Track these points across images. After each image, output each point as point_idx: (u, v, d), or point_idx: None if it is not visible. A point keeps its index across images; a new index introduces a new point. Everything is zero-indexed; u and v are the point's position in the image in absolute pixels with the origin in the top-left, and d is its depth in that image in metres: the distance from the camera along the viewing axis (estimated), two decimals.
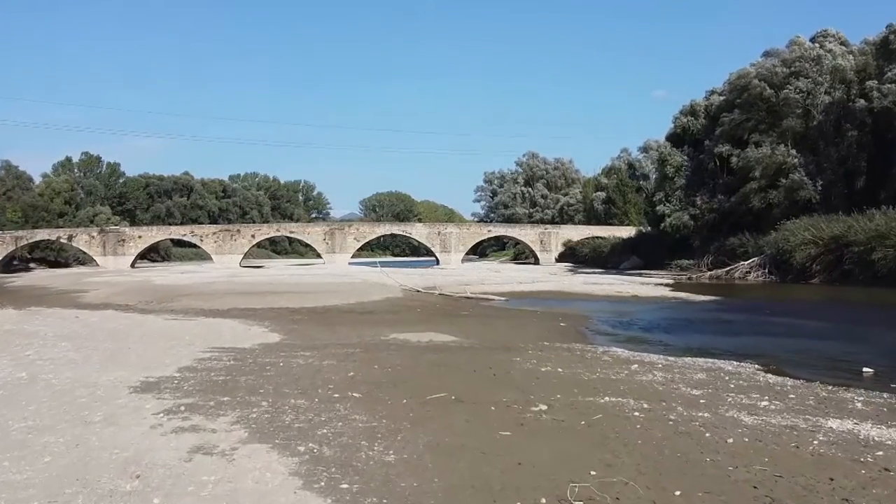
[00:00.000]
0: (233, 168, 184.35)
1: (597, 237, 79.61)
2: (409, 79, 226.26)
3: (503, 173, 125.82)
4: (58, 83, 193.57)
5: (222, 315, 18.49)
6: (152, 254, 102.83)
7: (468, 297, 26.76)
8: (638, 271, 54.82)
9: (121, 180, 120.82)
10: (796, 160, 45.25)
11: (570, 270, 62.06)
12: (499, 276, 43.87)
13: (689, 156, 53.56)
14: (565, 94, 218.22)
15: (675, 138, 54.98)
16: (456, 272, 49.33)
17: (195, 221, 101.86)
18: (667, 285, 35.08)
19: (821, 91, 45.45)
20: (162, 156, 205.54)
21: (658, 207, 53.84)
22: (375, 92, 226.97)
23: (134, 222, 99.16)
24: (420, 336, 13.66)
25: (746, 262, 43.11)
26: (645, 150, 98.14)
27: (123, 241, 77.95)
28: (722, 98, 51.67)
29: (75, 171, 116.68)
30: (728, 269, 43.32)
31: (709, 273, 44.21)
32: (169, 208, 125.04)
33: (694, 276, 44.00)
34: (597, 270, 59.49)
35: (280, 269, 58.83)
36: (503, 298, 26.00)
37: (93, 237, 77.56)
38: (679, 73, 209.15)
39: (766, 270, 41.42)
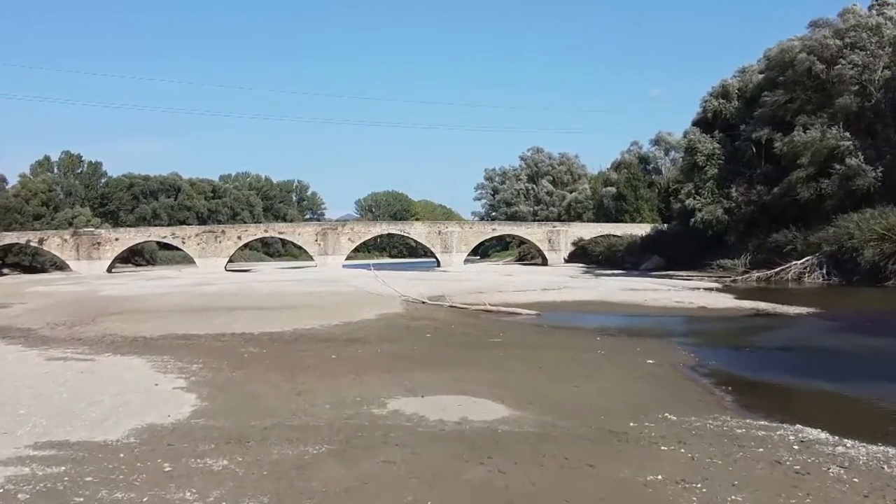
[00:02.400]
0: (224, 169, 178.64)
1: (611, 235, 73.71)
2: (410, 78, 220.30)
3: (504, 170, 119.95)
4: (42, 80, 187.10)
5: (142, 349, 12.59)
6: (136, 257, 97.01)
7: (488, 311, 20.91)
8: (664, 272, 48.99)
9: (102, 180, 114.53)
10: (851, 144, 39.40)
11: (587, 272, 56.16)
12: (513, 279, 37.95)
13: (721, 143, 47.70)
14: (566, 93, 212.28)
15: (704, 124, 49.11)
16: (462, 276, 43.36)
17: (183, 223, 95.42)
18: (719, 290, 29.26)
19: (880, 65, 39.63)
20: (152, 157, 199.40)
21: (687, 201, 48.03)
22: (375, 90, 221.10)
23: (117, 225, 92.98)
24: (442, 405, 7.71)
25: (799, 262, 37.24)
26: (657, 142, 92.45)
27: (99, 244, 71.93)
28: (760, 76, 45.80)
29: (55, 170, 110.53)
30: (778, 269, 37.42)
31: (756, 275, 38.28)
32: (155, 210, 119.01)
33: (738, 278, 38.12)
34: (616, 272, 53.62)
35: (265, 274, 52.80)
36: (533, 313, 20.13)
37: (65, 240, 71.58)
38: (679, 73, 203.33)
39: (824, 271, 35.59)
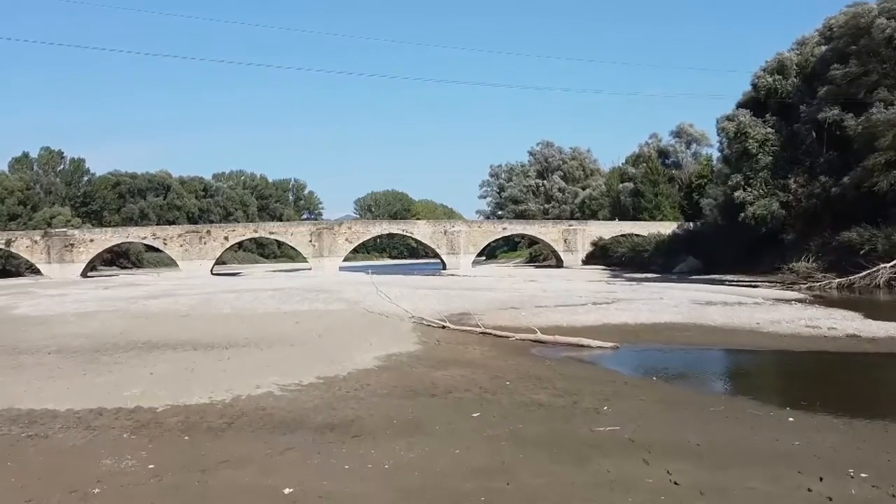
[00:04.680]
0: (217, 168, 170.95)
1: (633, 235, 67.16)
2: (409, 78, 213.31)
3: (511, 165, 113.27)
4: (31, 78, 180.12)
5: None
6: (121, 260, 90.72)
7: (540, 342, 14.44)
8: (706, 277, 42.50)
9: (85, 178, 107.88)
10: None
11: (615, 276, 49.65)
12: (541, 287, 31.37)
13: (775, 126, 41.18)
14: (567, 92, 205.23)
15: (755, 105, 42.54)
16: (478, 281, 36.78)
17: (173, 224, 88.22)
18: (820, 303, 22.76)
19: None
20: (140, 157, 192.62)
21: (736, 194, 41.48)
22: (374, 87, 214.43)
23: (102, 226, 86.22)
24: None
25: (889, 265, 30.74)
26: (678, 134, 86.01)
27: (72, 245, 65.38)
28: (823, 48, 39.26)
29: (34, 167, 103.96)
30: (864, 273, 30.86)
31: (834, 280, 31.74)
32: (142, 209, 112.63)
33: (814, 284, 31.61)
34: (649, 276, 47.11)
35: (249, 279, 46.18)
36: (608, 345, 13.70)
37: (35, 242, 65.06)
38: (678, 72, 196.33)
39: None
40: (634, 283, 37.33)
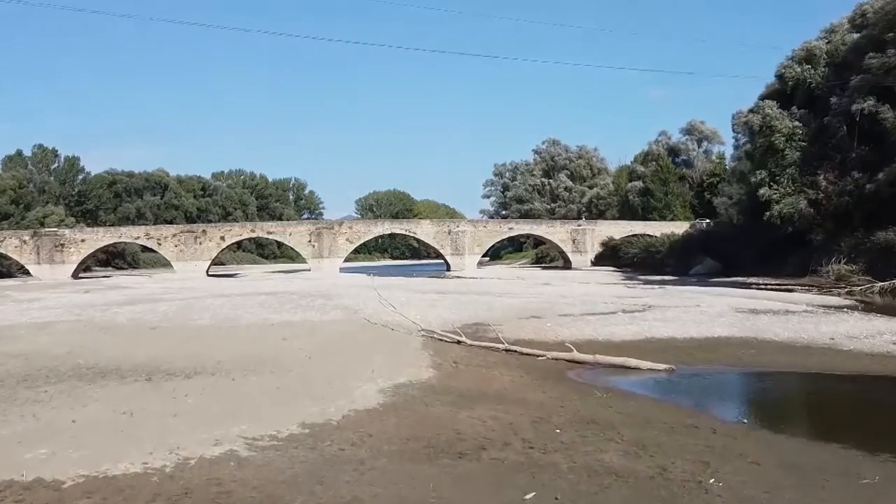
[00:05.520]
0: (217, 167, 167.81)
1: (645, 235, 64.61)
2: (408, 78, 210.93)
3: (515, 164, 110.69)
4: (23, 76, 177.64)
5: None
6: (117, 260, 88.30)
7: (577, 362, 12.00)
8: (727, 279, 40.03)
9: (80, 177, 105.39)
10: None
11: (629, 277, 47.24)
12: (559, 292, 28.88)
13: (803, 120, 38.64)
14: (568, 89, 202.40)
15: (781, 96, 39.99)
16: (488, 286, 34.26)
17: (171, 223, 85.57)
18: (873, 309, 20.28)
19: None
20: (138, 156, 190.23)
21: (760, 191, 38.93)
22: (375, 85, 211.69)
23: (97, 225, 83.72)
24: None
25: None
26: (689, 131, 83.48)
27: (62, 245, 62.85)
28: (856, 35, 36.73)
29: (28, 165, 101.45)
30: None
31: (877, 284, 29.23)
32: (139, 209, 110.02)
33: (856, 288, 29.09)
34: (666, 278, 44.62)
35: (243, 281, 43.70)
36: (662, 367, 11.23)
37: (24, 242, 62.49)
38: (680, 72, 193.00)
39: None
40: (655, 286, 34.84)
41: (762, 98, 41.83)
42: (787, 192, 38.10)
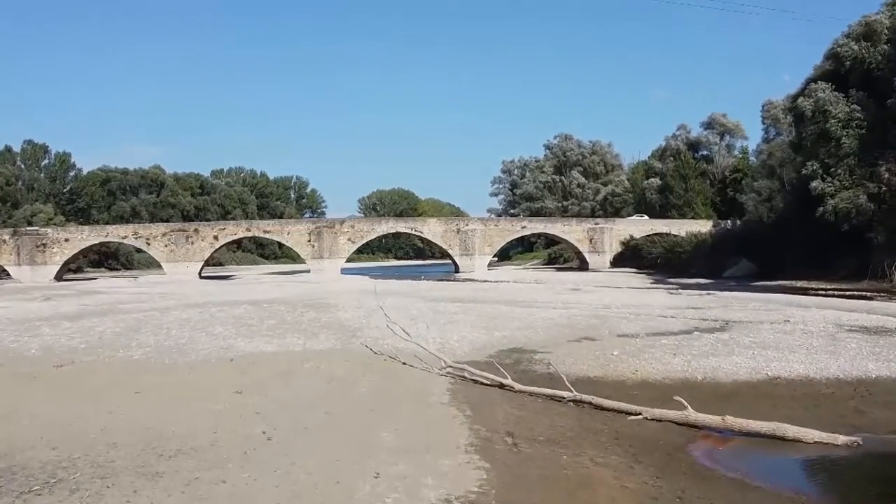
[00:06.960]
0: (216, 165, 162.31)
1: (668, 234, 60.29)
2: (409, 79, 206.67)
3: (525, 160, 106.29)
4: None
5: None
6: (110, 261, 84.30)
7: (693, 426, 7.66)
8: (773, 283, 35.78)
9: (71, 174, 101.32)
10: None
11: (658, 281, 42.96)
12: (594, 297, 24.57)
13: (861, 104, 34.25)
14: (569, 90, 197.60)
15: (835, 78, 35.59)
16: (510, 292, 29.92)
17: (167, 222, 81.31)
18: None
19: None
20: (136, 154, 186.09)
21: (813, 184, 34.59)
22: (375, 85, 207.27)
23: (89, 224, 79.61)
24: None
25: None
26: (710, 125, 78.94)
27: (44, 245, 58.73)
28: None
29: (17, 162, 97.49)
30: None
31: None
32: (134, 207, 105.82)
33: None
34: (701, 281, 40.38)
35: (229, 287, 39.40)
36: (842, 441, 6.99)
37: (3, 241, 58.32)
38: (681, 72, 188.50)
39: None
40: (698, 291, 30.47)
41: (811, 80, 37.43)
42: (844, 186, 33.76)
